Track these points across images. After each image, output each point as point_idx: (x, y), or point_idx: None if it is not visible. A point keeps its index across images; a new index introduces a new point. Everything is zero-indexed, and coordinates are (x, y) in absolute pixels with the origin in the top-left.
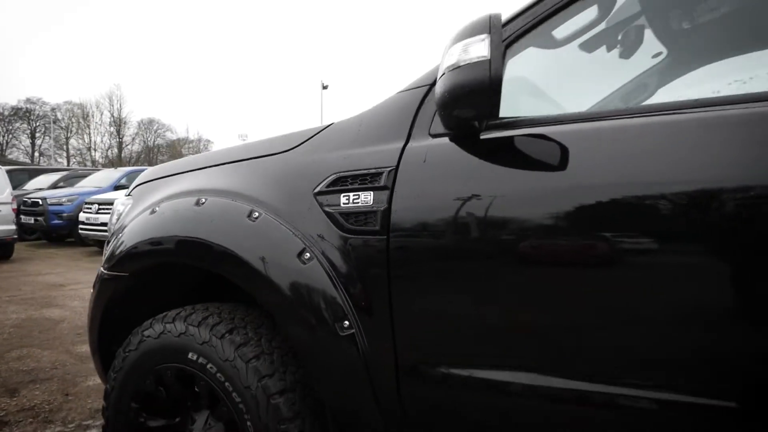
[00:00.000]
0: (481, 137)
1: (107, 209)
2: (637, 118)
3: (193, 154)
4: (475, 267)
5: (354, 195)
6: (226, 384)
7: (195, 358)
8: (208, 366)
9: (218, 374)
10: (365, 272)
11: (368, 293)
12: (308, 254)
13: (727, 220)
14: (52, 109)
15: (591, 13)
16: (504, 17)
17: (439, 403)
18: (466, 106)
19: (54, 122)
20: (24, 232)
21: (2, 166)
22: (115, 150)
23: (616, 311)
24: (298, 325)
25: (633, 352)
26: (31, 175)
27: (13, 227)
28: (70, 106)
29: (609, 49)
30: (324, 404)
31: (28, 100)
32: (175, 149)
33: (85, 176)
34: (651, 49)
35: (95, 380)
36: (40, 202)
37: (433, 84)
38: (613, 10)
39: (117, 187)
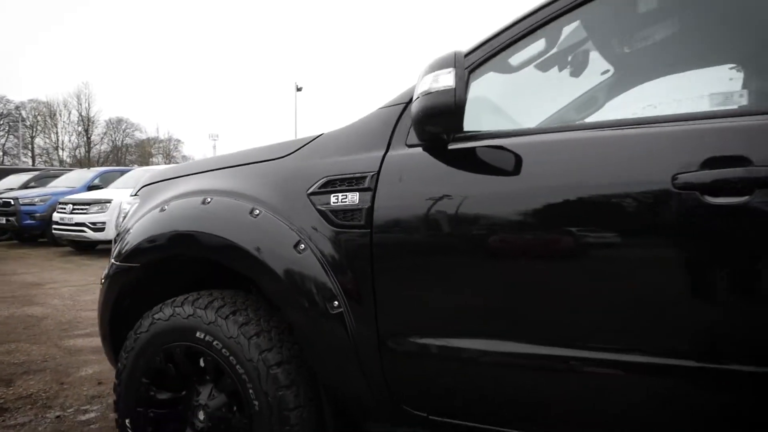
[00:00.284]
0: (449, 148)
1: (82, 209)
2: (577, 132)
3: (162, 154)
4: (444, 255)
5: (342, 195)
6: (231, 358)
7: (203, 336)
8: (215, 343)
9: (223, 350)
10: (352, 260)
11: (354, 278)
12: (303, 245)
13: (643, 214)
14: (17, 108)
15: (540, 44)
16: (467, 48)
17: (414, 372)
18: (436, 123)
19: (20, 121)
20: None
21: None
22: (83, 150)
23: (559, 288)
24: (295, 305)
25: (573, 320)
26: (0, 175)
27: None
28: (35, 105)
29: (560, 69)
30: (316, 374)
31: None
32: (144, 149)
33: (57, 176)
34: (601, 67)
35: (87, 371)
36: (12, 203)
37: (409, 102)
38: (559, 40)
39: (90, 188)
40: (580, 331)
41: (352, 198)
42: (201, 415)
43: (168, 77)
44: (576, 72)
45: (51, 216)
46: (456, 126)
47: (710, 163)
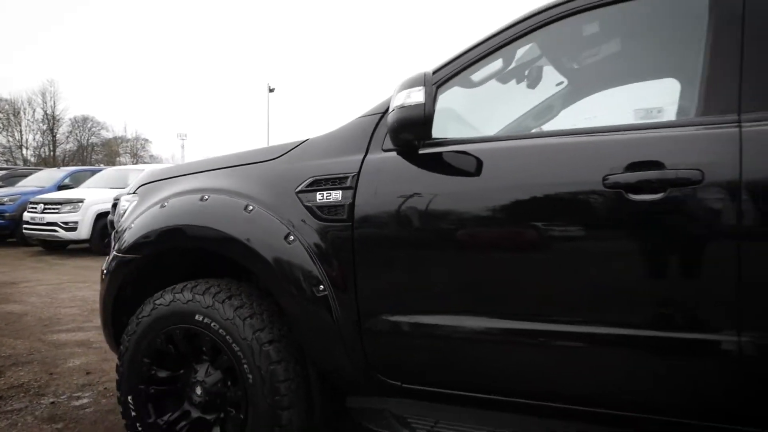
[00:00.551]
0: (420, 152)
1: (53, 209)
2: (527, 140)
3: (130, 153)
4: (415, 244)
5: (327, 193)
6: (227, 337)
7: (201, 319)
8: (212, 324)
9: (220, 330)
10: (335, 250)
11: (338, 265)
12: (292, 237)
13: (580, 209)
14: None
15: (498, 63)
16: (436, 65)
17: (389, 346)
18: (409, 132)
19: None
20: None
21: None
22: (48, 149)
23: (511, 272)
24: (285, 290)
25: (529, 295)
26: None
27: None
28: None
29: (518, 82)
30: (303, 351)
31: None
32: (110, 148)
33: (25, 175)
34: (555, 79)
35: (75, 362)
36: None
37: (385, 112)
38: (515, 59)
39: (60, 187)
40: (528, 308)
41: (336, 195)
42: (198, 390)
43: (136, 76)
44: (532, 84)
45: (21, 216)
46: (425, 134)
47: (633, 167)
